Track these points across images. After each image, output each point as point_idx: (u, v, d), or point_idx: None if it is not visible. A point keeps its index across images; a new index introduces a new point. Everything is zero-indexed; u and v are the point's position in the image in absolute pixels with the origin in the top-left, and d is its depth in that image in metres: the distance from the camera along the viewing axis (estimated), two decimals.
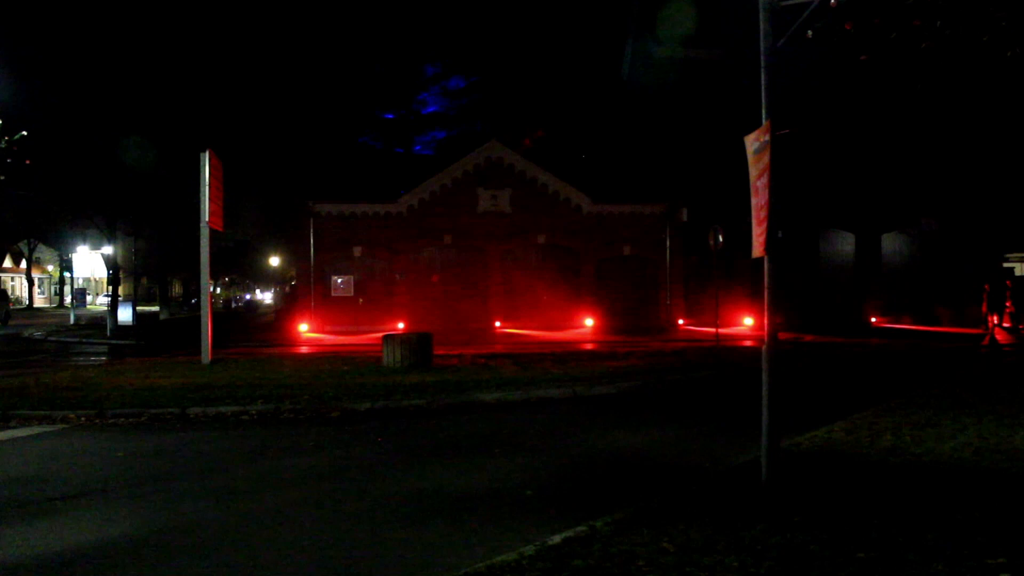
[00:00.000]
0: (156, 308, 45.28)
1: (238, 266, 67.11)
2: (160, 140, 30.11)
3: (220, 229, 18.82)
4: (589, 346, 21.73)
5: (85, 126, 29.94)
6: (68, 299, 57.29)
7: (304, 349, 21.66)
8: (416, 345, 15.46)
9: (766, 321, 6.22)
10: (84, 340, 26.68)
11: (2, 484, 7.30)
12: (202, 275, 18.01)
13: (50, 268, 68.88)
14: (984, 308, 23.41)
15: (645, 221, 29.65)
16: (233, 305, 62.90)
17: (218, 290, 70.08)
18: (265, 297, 77.91)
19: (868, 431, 8.50)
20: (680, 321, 29.08)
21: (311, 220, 28.18)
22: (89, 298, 63.77)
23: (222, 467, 8.02)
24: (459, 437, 9.45)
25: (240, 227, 44.45)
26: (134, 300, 37.63)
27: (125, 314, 32.17)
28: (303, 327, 27.43)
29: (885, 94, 24.01)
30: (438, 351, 16.75)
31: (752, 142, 6.28)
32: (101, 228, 35.38)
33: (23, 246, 62.07)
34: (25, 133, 14.90)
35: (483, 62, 51.45)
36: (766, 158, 5.98)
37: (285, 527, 5.97)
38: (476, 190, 28.78)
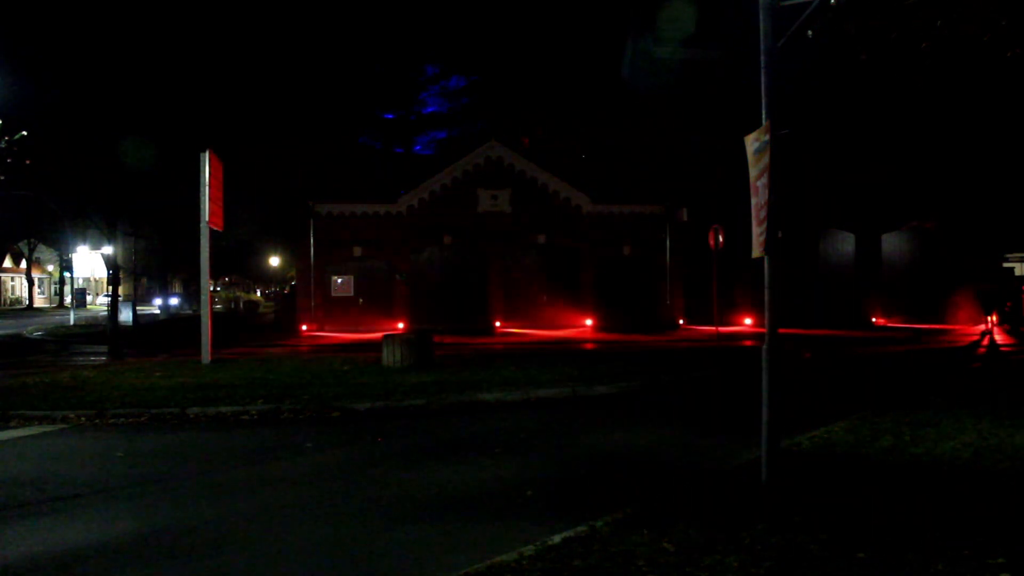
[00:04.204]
0: (156, 308, 45.24)
1: (238, 266, 67.02)
2: (160, 140, 30.08)
3: (220, 229, 18.82)
4: (589, 346, 21.72)
5: (85, 126, 29.92)
6: (68, 299, 57.26)
7: (304, 349, 21.66)
8: (416, 345, 15.46)
9: (767, 320, 6.22)
10: (84, 340, 26.67)
11: (2, 484, 7.29)
12: (202, 275, 18.02)
13: (50, 268, 68.84)
14: (984, 308, 23.41)
15: (645, 221, 29.64)
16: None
17: (218, 289, 69.92)
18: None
19: (868, 431, 8.50)
20: (680, 321, 29.09)
21: (311, 220, 28.17)
22: (89, 298, 63.73)
23: (222, 467, 8.02)
24: (459, 437, 9.45)
25: (240, 227, 44.41)
26: (133, 300, 37.62)
27: (125, 314, 32.15)
28: (303, 327, 27.43)
29: (885, 94, 24.01)
30: (438, 351, 16.74)
31: (752, 142, 6.28)
32: (101, 228, 35.34)
33: (23, 246, 62.04)
34: (25, 133, 14.90)
35: (483, 62, 51.43)
36: (766, 158, 5.98)
37: (285, 527, 5.96)
38: (476, 190, 28.77)
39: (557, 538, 5.23)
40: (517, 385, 12.65)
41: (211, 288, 19.64)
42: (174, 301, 52.94)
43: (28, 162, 15.98)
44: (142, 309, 46.25)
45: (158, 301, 51.22)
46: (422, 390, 12.22)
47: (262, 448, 8.95)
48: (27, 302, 62.28)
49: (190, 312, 48.17)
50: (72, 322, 34.92)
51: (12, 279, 66.10)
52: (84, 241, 46.65)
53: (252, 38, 37.30)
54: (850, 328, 26.42)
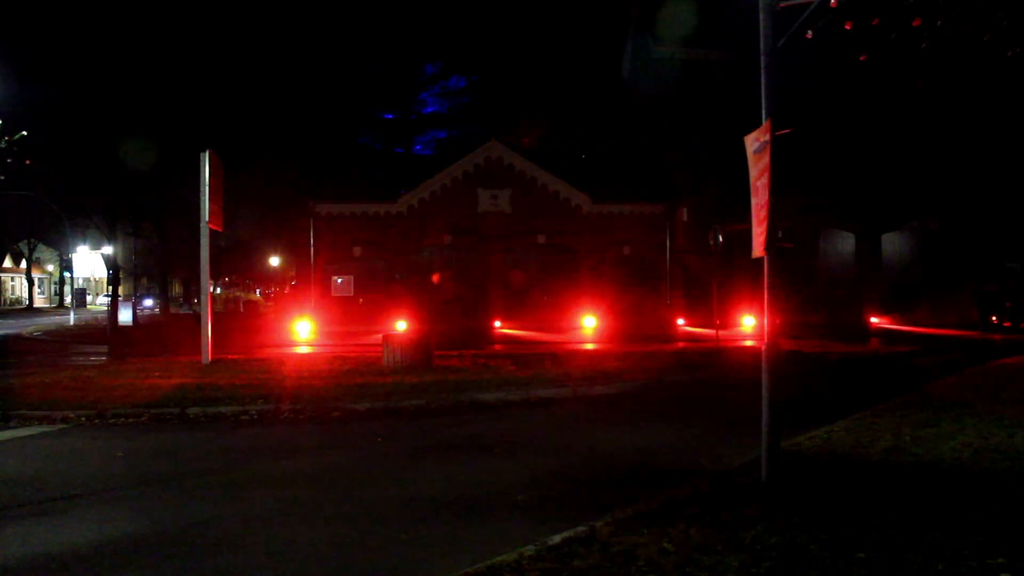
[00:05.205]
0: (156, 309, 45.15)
1: (238, 266, 66.97)
2: (160, 140, 30.10)
3: (220, 229, 18.81)
4: (589, 346, 21.71)
5: (85, 126, 29.94)
6: (68, 299, 57.24)
7: (304, 349, 21.65)
8: (416, 345, 15.46)
9: (766, 321, 6.22)
10: (84, 340, 26.66)
11: (2, 484, 7.29)
12: (202, 275, 18.01)
13: (50, 268, 68.85)
14: (984, 308, 23.40)
15: (645, 221, 29.66)
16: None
17: (218, 291, 69.88)
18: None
19: (868, 431, 8.49)
20: (680, 321, 29.07)
21: (311, 220, 28.19)
22: (89, 298, 63.71)
23: (222, 467, 8.01)
24: (459, 437, 9.45)
25: (240, 227, 44.45)
26: (133, 300, 37.64)
27: (124, 314, 32.17)
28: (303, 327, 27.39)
29: (885, 94, 24.00)
30: (438, 351, 16.73)
31: (752, 142, 6.27)
32: (101, 228, 35.42)
33: (23, 246, 62.05)
34: (25, 133, 14.89)
35: (483, 62, 51.47)
36: (766, 158, 5.98)
37: (284, 528, 5.96)
38: (476, 190, 28.78)
39: (557, 538, 5.23)
40: (517, 385, 12.65)
41: (211, 288, 19.64)
42: (148, 302, 49.99)
43: (28, 162, 15.98)
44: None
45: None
46: (422, 390, 12.21)
47: (262, 448, 8.95)
48: (27, 302, 62.28)
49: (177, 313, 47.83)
50: (72, 322, 34.89)
51: (12, 279, 66.10)
52: (84, 241, 46.67)
53: (252, 38, 37.31)
54: (849, 328, 26.37)
